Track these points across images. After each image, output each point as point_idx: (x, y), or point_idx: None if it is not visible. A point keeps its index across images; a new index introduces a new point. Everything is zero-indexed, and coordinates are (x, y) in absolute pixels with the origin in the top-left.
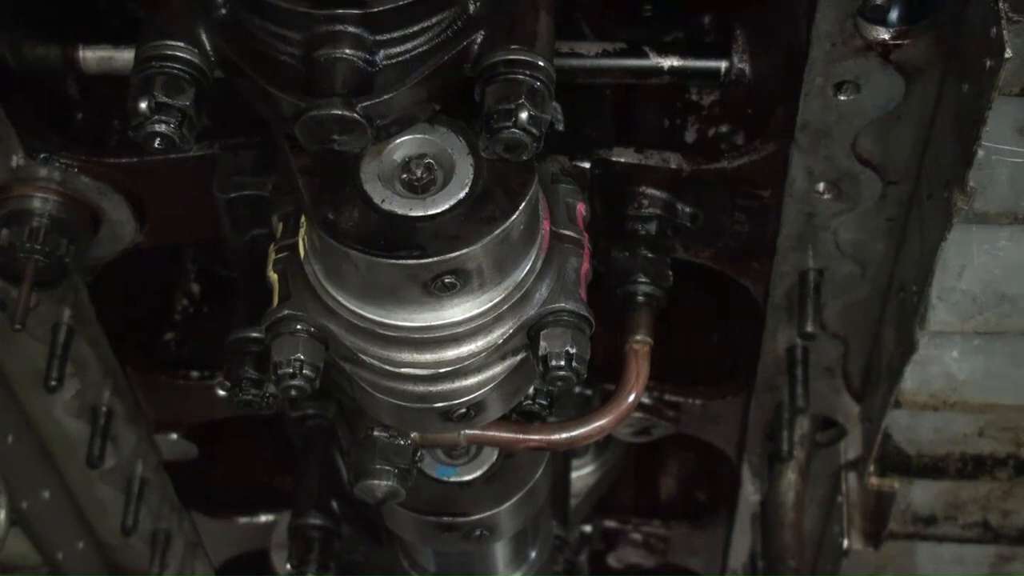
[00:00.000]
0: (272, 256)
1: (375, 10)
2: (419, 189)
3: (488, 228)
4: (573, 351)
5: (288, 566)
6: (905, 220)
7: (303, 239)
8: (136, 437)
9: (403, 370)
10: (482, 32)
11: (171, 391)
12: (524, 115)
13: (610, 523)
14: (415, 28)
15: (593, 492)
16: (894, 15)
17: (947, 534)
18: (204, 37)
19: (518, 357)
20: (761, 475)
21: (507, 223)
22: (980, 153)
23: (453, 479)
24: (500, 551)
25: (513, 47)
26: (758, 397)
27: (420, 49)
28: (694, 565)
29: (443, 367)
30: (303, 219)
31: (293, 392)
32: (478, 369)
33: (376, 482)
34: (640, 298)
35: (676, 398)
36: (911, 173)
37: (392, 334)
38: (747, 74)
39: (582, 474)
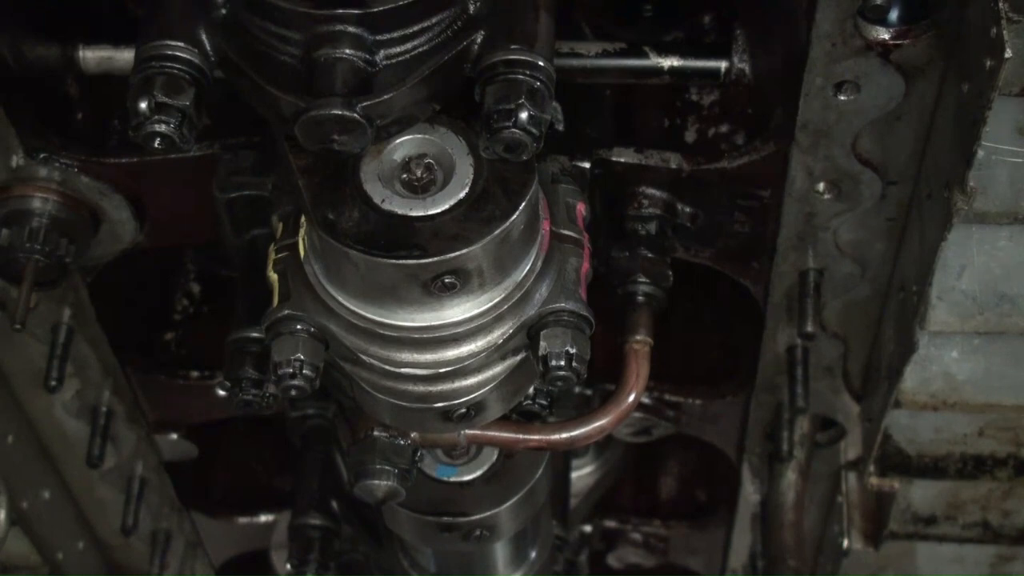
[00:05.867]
0: (272, 256)
1: (375, 10)
2: (419, 189)
3: (488, 228)
4: (573, 351)
5: (288, 566)
6: (905, 220)
7: (303, 239)
8: (136, 437)
9: (403, 370)
10: (482, 32)
11: (171, 391)
12: (524, 115)
13: (610, 523)
14: (415, 28)
15: (593, 492)
16: (894, 15)
17: (947, 534)
18: (204, 37)
19: (518, 357)
20: (761, 475)
21: (507, 223)
22: (980, 153)
23: (453, 479)
24: (500, 551)
25: (513, 47)
26: (758, 397)
27: (420, 49)
28: (694, 565)
29: (443, 367)
30: (303, 219)
31: (293, 392)
32: (478, 369)
33: (376, 482)
34: (640, 298)
35: (676, 398)
36: (911, 173)
37: (392, 334)
38: (747, 74)
39: (582, 474)
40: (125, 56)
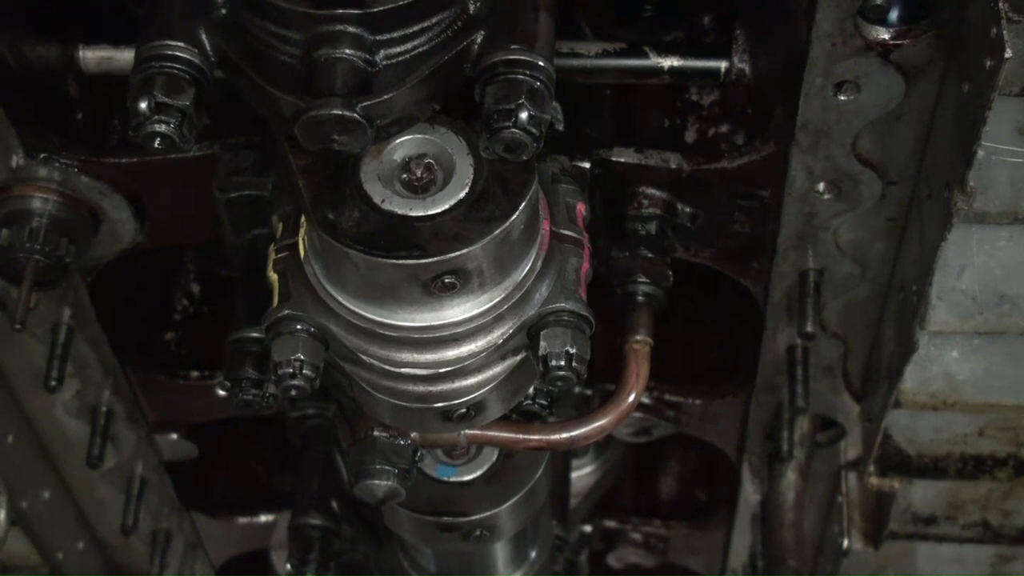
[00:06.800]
0: (272, 256)
1: (375, 10)
2: (419, 189)
3: (488, 228)
4: (573, 351)
5: (288, 566)
6: (905, 220)
7: (303, 239)
8: (136, 437)
9: (403, 370)
10: (482, 32)
11: (171, 391)
12: (524, 115)
13: (610, 523)
14: (415, 28)
15: (593, 492)
16: (894, 15)
17: (947, 534)
18: (204, 37)
19: (518, 357)
20: (761, 475)
21: (507, 223)
22: (980, 153)
23: (453, 479)
24: (500, 551)
25: (513, 47)
26: (758, 397)
27: (420, 49)
28: (694, 565)
29: (443, 367)
30: (303, 219)
31: (293, 392)
32: (478, 369)
33: (376, 482)
34: (640, 298)
35: (676, 398)
36: (911, 173)
37: (392, 334)
38: (747, 74)
39: (582, 474)
40: (125, 56)
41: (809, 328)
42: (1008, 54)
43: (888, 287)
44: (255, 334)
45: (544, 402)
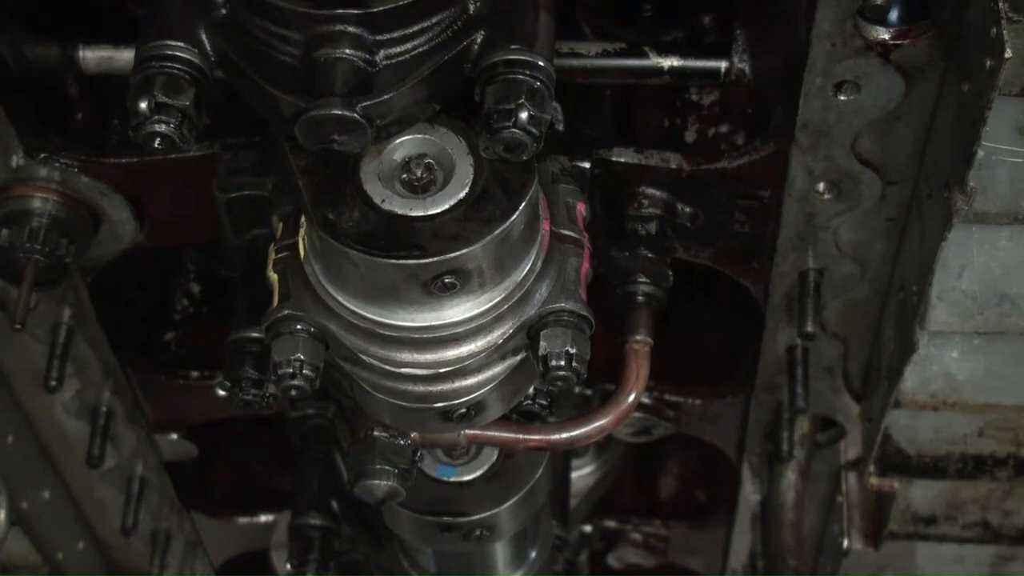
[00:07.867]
0: (272, 256)
1: (375, 10)
2: (419, 189)
3: (488, 228)
4: (573, 351)
5: (288, 566)
6: (905, 220)
7: (303, 239)
8: (136, 437)
9: (403, 370)
10: (482, 32)
11: (171, 391)
12: (524, 115)
13: (610, 523)
14: (415, 28)
15: (593, 492)
16: (894, 15)
17: (947, 534)
18: (204, 37)
19: (518, 357)
20: (761, 475)
21: (507, 223)
22: (980, 153)
23: (453, 479)
24: (500, 551)
25: (513, 47)
26: (758, 397)
27: (420, 49)
28: (694, 565)
29: (443, 367)
30: (303, 219)
31: (293, 392)
32: (478, 369)
33: (376, 482)
34: (640, 298)
35: (676, 398)
36: (911, 173)
37: (392, 334)
38: (747, 74)
39: (582, 474)
40: (125, 56)
41: (809, 328)
42: (1008, 54)
43: (888, 287)
44: (255, 334)
45: (544, 402)
